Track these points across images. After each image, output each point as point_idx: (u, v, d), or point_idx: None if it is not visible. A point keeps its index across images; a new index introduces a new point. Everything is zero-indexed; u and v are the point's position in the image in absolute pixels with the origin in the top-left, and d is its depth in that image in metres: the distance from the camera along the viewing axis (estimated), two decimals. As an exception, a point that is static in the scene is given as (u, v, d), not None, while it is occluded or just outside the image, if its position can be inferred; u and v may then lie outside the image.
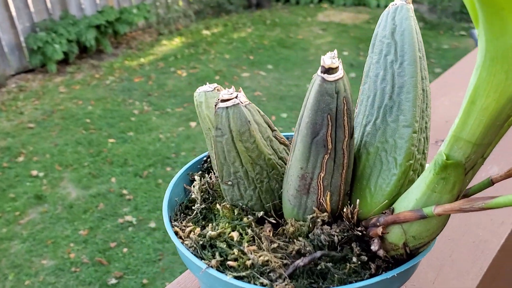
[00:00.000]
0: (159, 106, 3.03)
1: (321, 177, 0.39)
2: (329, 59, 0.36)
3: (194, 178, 0.51)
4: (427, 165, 0.37)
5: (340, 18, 4.67)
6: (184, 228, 0.43)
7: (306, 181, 0.39)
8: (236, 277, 0.38)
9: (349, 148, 0.39)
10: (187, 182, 0.50)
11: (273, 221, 0.43)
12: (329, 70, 0.36)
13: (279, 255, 0.39)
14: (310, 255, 0.38)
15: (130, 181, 2.28)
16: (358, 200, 0.40)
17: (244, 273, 0.38)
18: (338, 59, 0.37)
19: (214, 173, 0.50)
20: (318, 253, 0.38)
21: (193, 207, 0.46)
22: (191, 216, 0.45)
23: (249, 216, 0.43)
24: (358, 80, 3.35)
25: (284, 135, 0.46)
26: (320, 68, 0.36)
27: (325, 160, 0.38)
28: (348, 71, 3.50)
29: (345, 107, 0.37)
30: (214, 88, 0.48)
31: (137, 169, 2.37)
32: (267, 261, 0.38)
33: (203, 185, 0.47)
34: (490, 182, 0.37)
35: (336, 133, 0.37)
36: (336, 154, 0.38)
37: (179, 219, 0.45)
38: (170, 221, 0.44)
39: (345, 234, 0.40)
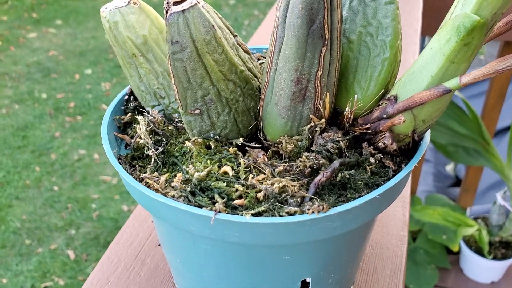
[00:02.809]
0: None
1: (319, 76, 0.33)
2: None
3: (126, 123, 0.40)
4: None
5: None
6: (155, 179, 0.33)
7: (303, 85, 0.33)
8: (254, 215, 0.30)
9: (341, 37, 0.33)
10: (115, 130, 0.39)
11: (257, 146, 0.36)
12: None
13: (289, 177, 0.32)
14: (329, 167, 0.32)
15: None
16: (356, 96, 0.35)
17: (262, 208, 0.30)
18: None
19: (148, 111, 0.40)
20: (336, 163, 0.32)
21: (144, 156, 0.36)
22: (151, 166, 0.35)
23: (228, 146, 0.35)
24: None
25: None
26: None
27: (323, 54, 0.32)
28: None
29: (337, -15, 0.31)
30: (130, 1, 0.37)
31: None
32: (284, 186, 0.31)
33: (148, 125, 0.37)
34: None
35: (332, 18, 0.31)
36: (332, 45, 0.32)
37: (135, 174, 0.35)
38: (137, 180, 0.33)
39: (348, 137, 0.35)
